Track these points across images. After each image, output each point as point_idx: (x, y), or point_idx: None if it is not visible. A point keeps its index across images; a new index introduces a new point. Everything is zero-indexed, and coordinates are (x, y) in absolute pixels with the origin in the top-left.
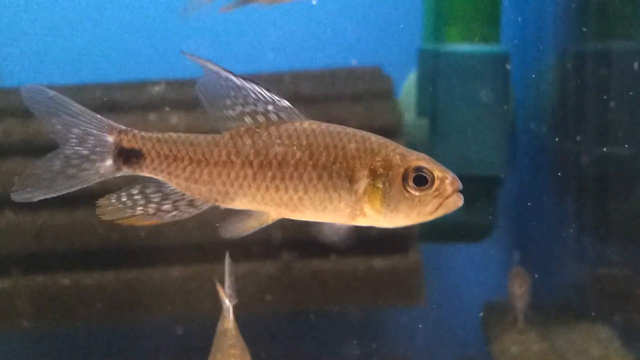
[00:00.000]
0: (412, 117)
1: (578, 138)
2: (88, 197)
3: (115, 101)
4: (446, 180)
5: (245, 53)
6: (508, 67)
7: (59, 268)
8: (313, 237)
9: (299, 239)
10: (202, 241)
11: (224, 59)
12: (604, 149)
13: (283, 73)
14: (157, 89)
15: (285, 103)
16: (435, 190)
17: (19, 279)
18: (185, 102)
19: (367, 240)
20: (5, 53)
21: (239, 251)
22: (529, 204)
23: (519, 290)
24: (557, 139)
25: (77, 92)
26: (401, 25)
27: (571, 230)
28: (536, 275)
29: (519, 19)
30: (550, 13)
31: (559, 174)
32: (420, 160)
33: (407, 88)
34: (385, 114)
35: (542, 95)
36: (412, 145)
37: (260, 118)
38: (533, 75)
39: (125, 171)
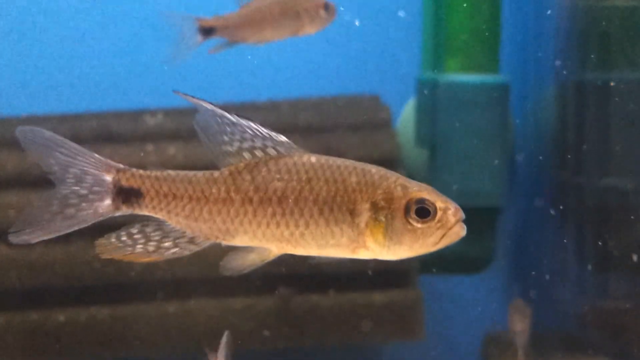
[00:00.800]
0: (410, 147)
1: (578, 169)
2: (83, 232)
3: (111, 131)
4: (448, 211)
5: (243, 81)
6: (507, 97)
7: (54, 303)
8: (311, 271)
9: (297, 274)
10: (199, 276)
11: (222, 88)
12: (605, 181)
13: (281, 101)
14: (154, 118)
15: (283, 138)
16: (437, 222)
17: (13, 314)
18: (184, 132)
19: (366, 275)
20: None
21: (236, 286)
22: (528, 234)
23: (519, 326)
24: (557, 170)
25: (74, 121)
26: (399, 54)
27: (571, 262)
28: (536, 307)
29: (519, 48)
30: (550, 43)
31: (559, 205)
32: (422, 191)
33: (405, 117)
34: (383, 144)
35: (542, 125)
36: (412, 176)
37: (259, 153)
38: (533, 106)
39: (125, 210)
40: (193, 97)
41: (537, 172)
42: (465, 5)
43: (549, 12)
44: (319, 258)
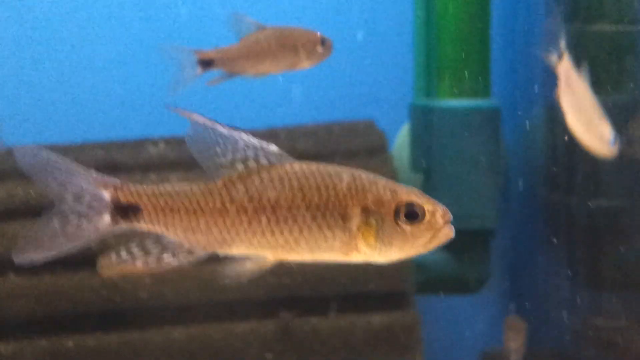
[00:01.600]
0: (405, 171)
1: (569, 190)
2: (89, 259)
3: (114, 161)
4: (437, 213)
5: (240, 110)
6: (499, 121)
7: (62, 330)
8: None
9: (297, 297)
10: (204, 302)
11: (220, 115)
12: (595, 201)
13: (279, 129)
14: (156, 148)
15: (274, 147)
16: (426, 224)
17: (23, 342)
18: (185, 161)
19: (364, 297)
20: (5, 113)
21: (238, 310)
22: (522, 255)
23: (514, 343)
24: (548, 191)
25: (79, 151)
26: (393, 79)
27: (564, 281)
28: (530, 325)
29: (509, 73)
30: (540, 66)
31: (551, 225)
32: (410, 195)
33: (400, 141)
34: (379, 169)
35: (533, 147)
36: None
37: (252, 163)
38: (524, 129)
39: (123, 226)
40: (184, 110)
41: (529, 193)
42: (455, 31)
43: (538, 37)
44: None
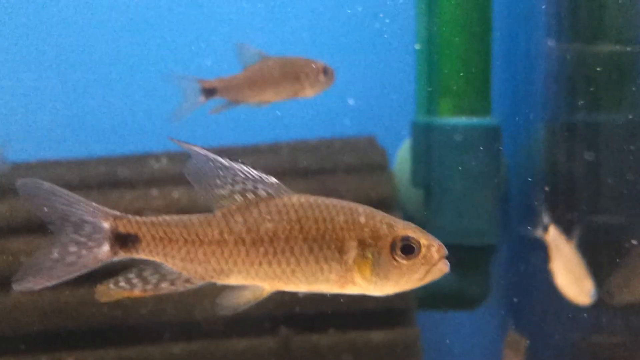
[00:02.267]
0: (406, 187)
1: (569, 207)
2: (90, 276)
3: (117, 176)
4: (432, 247)
5: (243, 125)
6: (499, 139)
7: (63, 346)
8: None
9: (297, 314)
10: (203, 318)
11: (221, 130)
12: (594, 218)
13: (282, 144)
14: (158, 163)
15: (273, 180)
16: (422, 258)
17: (24, 357)
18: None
19: (365, 313)
20: (8, 131)
21: (238, 327)
22: (522, 271)
23: (514, 359)
24: (548, 208)
25: (82, 166)
26: (395, 98)
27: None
28: (530, 340)
29: (510, 92)
30: (540, 84)
31: None
32: (406, 229)
33: (401, 158)
34: (380, 185)
35: (533, 165)
36: (408, 216)
37: (250, 195)
38: (524, 147)
39: (122, 255)
40: (186, 142)
41: (529, 210)
42: (457, 50)
43: (538, 57)
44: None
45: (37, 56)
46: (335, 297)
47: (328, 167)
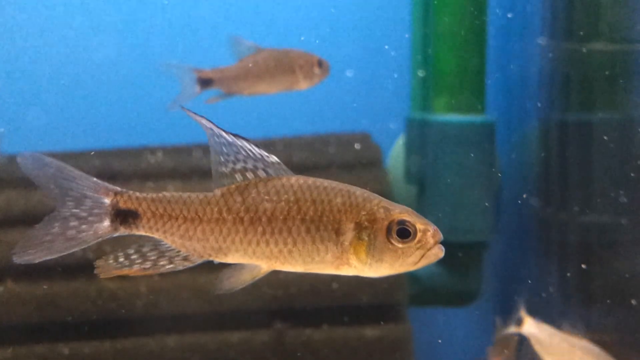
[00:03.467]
0: (400, 183)
1: (561, 205)
2: (86, 268)
3: (113, 169)
4: (428, 232)
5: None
6: (493, 136)
7: (59, 337)
8: (305, 306)
9: (291, 309)
10: (198, 311)
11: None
12: (587, 216)
13: (276, 139)
14: (154, 156)
15: (274, 159)
16: (417, 242)
17: (19, 348)
18: (182, 170)
19: (358, 309)
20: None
21: (232, 320)
22: (514, 268)
23: (505, 356)
24: (541, 206)
25: (77, 158)
26: (389, 94)
27: (555, 295)
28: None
29: (504, 89)
30: (534, 83)
31: (543, 239)
32: (403, 213)
33: (395, 154)
34: (374, 181)
35: (527, 162)
36: None
37: (250, 175)
38: (517, 144)
39: (123, 231)
40: (195, 114)
41: (522, 208)
42: (452, 47)
43: (533, 55)
44: None
45: (31, 48)
46: (329, 292)
47: (322, 163)
